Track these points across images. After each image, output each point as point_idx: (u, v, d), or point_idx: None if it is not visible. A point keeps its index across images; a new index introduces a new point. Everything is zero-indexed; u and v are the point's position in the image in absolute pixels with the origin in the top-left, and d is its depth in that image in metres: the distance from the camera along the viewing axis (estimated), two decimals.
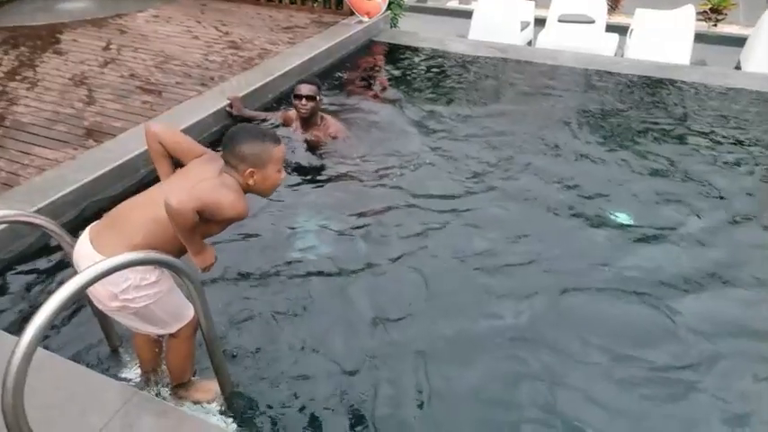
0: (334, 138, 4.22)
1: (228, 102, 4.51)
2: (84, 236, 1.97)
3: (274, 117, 4.49)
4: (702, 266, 3.12)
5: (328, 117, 4.29)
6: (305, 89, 4.07)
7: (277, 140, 2.10)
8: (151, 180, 3.76)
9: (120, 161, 3.76)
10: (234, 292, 2.87)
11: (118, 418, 1.88)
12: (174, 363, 2.25)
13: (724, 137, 4.51)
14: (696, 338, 2.65)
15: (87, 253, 1.90)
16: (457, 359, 2.55)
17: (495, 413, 2.32)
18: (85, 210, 3.44)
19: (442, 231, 3.40)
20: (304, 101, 4.07)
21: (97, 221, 2.04)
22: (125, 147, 3.90)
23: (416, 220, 3.48)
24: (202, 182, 1.96)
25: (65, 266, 2.95)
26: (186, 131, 4.14)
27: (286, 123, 4.35)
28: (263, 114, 4.59)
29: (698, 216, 3.55)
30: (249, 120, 4.49)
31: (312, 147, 4.19)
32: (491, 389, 2.42)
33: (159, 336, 2.19)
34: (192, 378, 2.32)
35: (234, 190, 2.00)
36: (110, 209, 2.05)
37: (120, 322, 2.10)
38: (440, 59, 6.09)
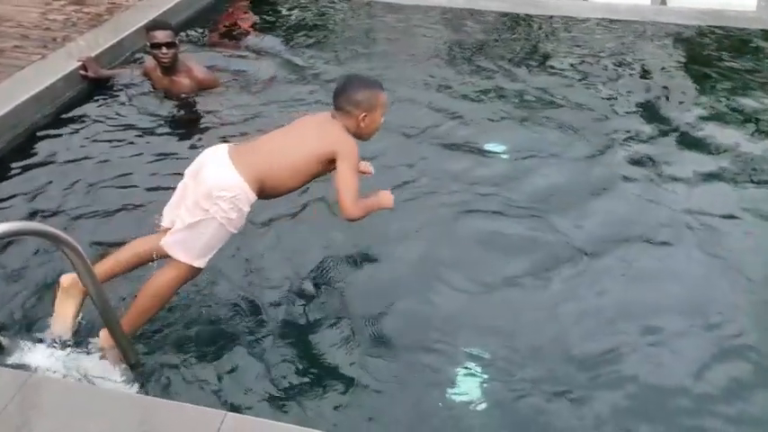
0: (202, 83, 4.02)
1: (80, 63, 4.11)
2: (222, 149, 2.22)
3: (134, 72, 4.19)
4: (581, 187, 3.36)
5: (189, 61, 4.06)
6: (161, 36, 3.80)
7: (382, 86, 2.38)
8: (5, 155, 3.44)
9: None
10: None
11: (15, 402, 1.74)
12: (148, 294, 2.19)
13: (584, 63, 4.86)
14: (578, 251, 2.89)
15: (221, 162, 2.15)
16: (357, 289, 2.64)
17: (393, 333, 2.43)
18: None
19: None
20: (164, 49, 3.81)
21: (234, 144, 2.28)
22: None
23: None
24: (338, 143, 2.25)
25: None
26: (35, 99, 3.81)
27: (147, 76, 4.07)
28: (122, 72, 4.26)
29: (572, 139, 3.81)
30: (107, 80, 4.15)
31: (181, 100, 3.98)
32: (392, 313, 2.53)
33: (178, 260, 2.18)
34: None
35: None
36: None
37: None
38: (309, 3, 5.94)
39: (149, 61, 4.03)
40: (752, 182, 3.45)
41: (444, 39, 5.29)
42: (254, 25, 5.52)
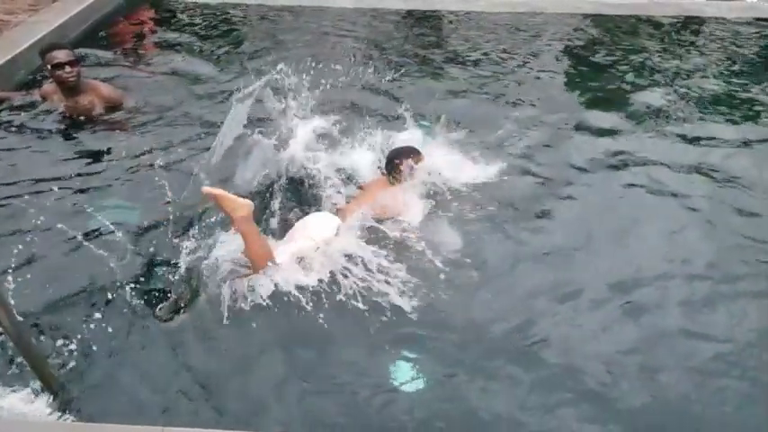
0: (109, 101, 3.88)
1: None
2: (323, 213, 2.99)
3: (31, 94, 3.98)
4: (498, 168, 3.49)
5: (91, 80, 3.92)
6: (63, 55, 3.66)
7: (418, 152, 3.18)
8: None
9: None
10: (41, 292, 2.53)
11: None
12: (253, 253, 2.59)
13: (492, 54, 5.09)
14: (501, 233, 3.03)
15: (328, 216, 2.91)
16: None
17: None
18: None
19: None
20: (68, 68, 3.65)
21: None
22: None
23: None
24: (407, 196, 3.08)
25: None
26: None
27: (46, 99, 3.88)
28: (15, 94, 4.03)
29: (503, 118, 4.01)
30: (2, 101, 3.92)
31: (87, 117, 3.81)
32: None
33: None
34: None
35: None
36: None
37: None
38: (210, 11, 5.86)
39: (47, 85, 3.84)
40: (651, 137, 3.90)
41: (356, 39, 5.36)
42: (157, 22, 5.46)
